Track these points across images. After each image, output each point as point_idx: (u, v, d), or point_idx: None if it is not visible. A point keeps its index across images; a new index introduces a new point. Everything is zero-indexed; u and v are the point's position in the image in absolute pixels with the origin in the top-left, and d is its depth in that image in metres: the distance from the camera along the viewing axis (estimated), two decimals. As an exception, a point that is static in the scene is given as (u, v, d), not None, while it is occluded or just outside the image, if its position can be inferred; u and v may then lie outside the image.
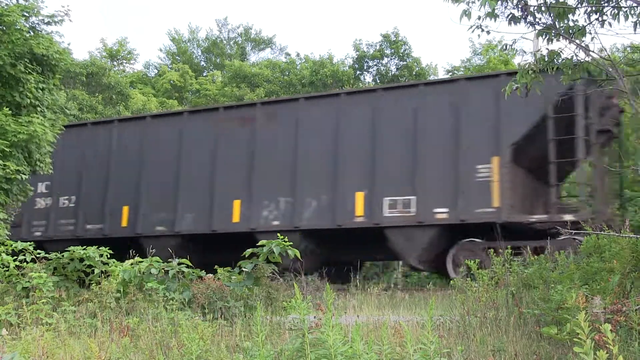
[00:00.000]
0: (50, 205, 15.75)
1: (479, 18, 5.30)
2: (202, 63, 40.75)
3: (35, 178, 15.25)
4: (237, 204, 13.81)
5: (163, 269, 7.23)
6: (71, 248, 7.98)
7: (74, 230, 15.30)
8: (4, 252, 7.73)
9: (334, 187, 12.98)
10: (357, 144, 13.03)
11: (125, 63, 33.60)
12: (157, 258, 7.45)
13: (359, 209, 12.80)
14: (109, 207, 15.10)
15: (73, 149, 15.80)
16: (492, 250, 7.82)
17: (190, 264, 7.51)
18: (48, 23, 12.39)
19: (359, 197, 12.80)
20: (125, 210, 14.95)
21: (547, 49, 5.45)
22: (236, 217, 13.77)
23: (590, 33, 5.38)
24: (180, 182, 14.51)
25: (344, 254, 14.82)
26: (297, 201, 13.24)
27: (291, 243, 7.03)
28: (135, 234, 14.57)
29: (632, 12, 5.19)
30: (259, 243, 7.15)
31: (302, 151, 13.46)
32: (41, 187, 15.83)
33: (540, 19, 5.36)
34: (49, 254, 14.05)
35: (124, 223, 14.89)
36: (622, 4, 5.24)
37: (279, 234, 12.86)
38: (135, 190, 14.93)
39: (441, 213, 12.13)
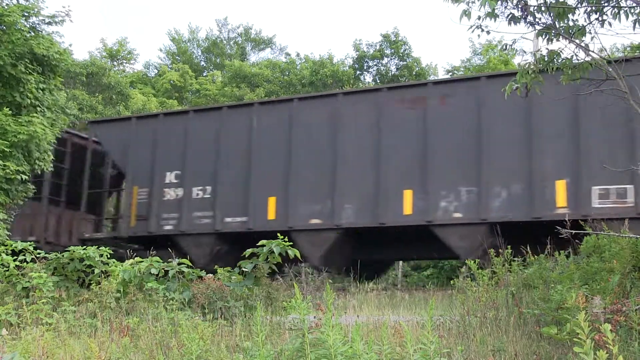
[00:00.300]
0: (182, 196, 14.33)
1: (479, 18, 5.30)
2: (202, 63, 40.77)
3: (163, 167, 14.64)
4: (408, 194, 12.42)
5: (163, 269, 7.23)
6: (71, 248, 7.97)
7: (212, 223, 13.90)
8: (4, 252, 7.73)
9: (529, 174, 11.59)
10: (555, 127, 11.68)
11: (125, 63, 33.61)
12: (157, 258, 7.44)
13: (561, 199, 11.42)
14: (253, 198, 13.64)
15: (206, 135, 14.52)
16: None
17: (190, 263, 7.50)
18: (49, 23, 12.38)
19: (560, 186, 11.46)
20: (272, 201, 13.47)
21: (547, 49, 5.45)
22: (408, 209, 12.39)
23: (590, 33, 5.37)
24: (337, 170, 13.10)
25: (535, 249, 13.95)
26: (482, 190, 11.91)
27: (291, 243, 7.02)
28: (287, 228, 13.10)
29: (632, 11, 5.18)
30: (259, 242, 7.14)
31: (486, 135, 12.07)
32: (170, 177, 14.58)
33: (540, 19, 5.36)
34: (184, 249, 13.27)
35: (271, 216, 13.43)
36: (622, 3, 5.24)
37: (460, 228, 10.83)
38: (284, 179, 13.46)
39: None
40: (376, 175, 12.72)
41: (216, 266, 7.95)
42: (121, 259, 14.85)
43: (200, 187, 14.22)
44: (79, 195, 16.46)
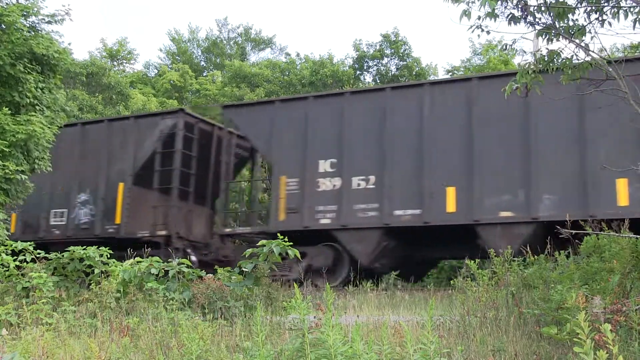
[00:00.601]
0: (340, 186, 12.97)
1: (479, 18, 5.30)
2: (202, 63, 40.76)
3: (316, 154, 13.36)
4: (622, 183, 10.81)
5: (163, 268, 7.23)
6: (71, 248, 7.96)
7: (379, 216, 12.54)
8: (3, 252, 7.73)
9: None
10: None
11: (125, 63, 33.65)
12: (157, 258, 7.44)
13: None
14: (427, 189, 12.28)
15: (366, 119, 13.12)
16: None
17: (190, 263, 7.50)
18: (49, 22, 12.37)
19: None
20: (451, 192, 12.09)
21: (547, 48, 5.45)
22: (623, 200, 10.82)
23: (590, 32, 5.38)
24: (532, 156, 11.60)
25: None
26: None
27: (291, 243, 7.01)
28: (472, 222, 11.91)
29: (632, 10, 5.19)
30: (259, 243, 7.14)
31: None
32: (324, 165, 13.25)
33: (540, 18, 5.36)
34: (344, 244, 12.44)
35: (451, 208, 12.04)
36: (622, 3, 5.24)
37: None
38: (465, 167, 12.06)
39: None
40: (582, 162, 11.26)
41: (216, 266, 7.95)
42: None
43: (362, 177, 12.87)
44: (207, 186, 15.61)
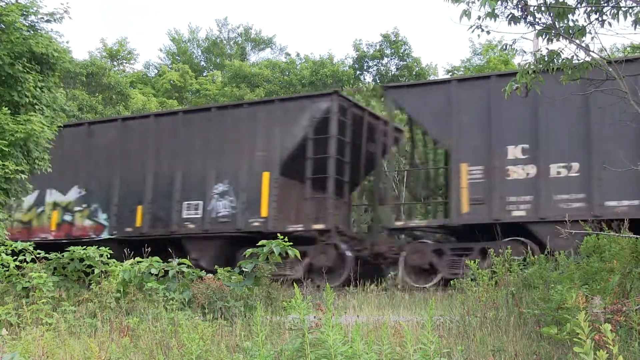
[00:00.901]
0: (535, 174, 11.63)
1: (479, 18, 5.30)
2: (202, 63, 40.79)
3: (503, 140, 11.95)
4: None
5: (163, 269, 7.23)
6: (71, 248, 7.96)
7: (587, 208, 11.07)
8: (3, 252, 7.73)
9: None
10: None
11: (125, 63, 33.64)
12: (157, 258, 7.44)
13: None
14: None
15: (566, 98, 11.25)
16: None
17: (190, 263, 7.49)
18: (48, 21, 12.36)
19: None
20: None
21: (547, 49, 5.45)
22: None
23: (590, 33, 5.38)
24: None
25: None
26: None
27: (291, 243, 7.00)
28: None
29: (631, 10, 5.19)
30: (260, 243, 7.14)
31: None
32: (514, 152, 11.90)
33: (540, 19, 5.36)
34: (541, 238, 11.02)
35: None
36: (622, 3, 5.24)
37: None
38: None
39: None
40: None
41: (216, 266, 7.94)
42: (441, 253, 12.42)
43: (562, 164, 11.49)
44: (358, 175, 14.66)
